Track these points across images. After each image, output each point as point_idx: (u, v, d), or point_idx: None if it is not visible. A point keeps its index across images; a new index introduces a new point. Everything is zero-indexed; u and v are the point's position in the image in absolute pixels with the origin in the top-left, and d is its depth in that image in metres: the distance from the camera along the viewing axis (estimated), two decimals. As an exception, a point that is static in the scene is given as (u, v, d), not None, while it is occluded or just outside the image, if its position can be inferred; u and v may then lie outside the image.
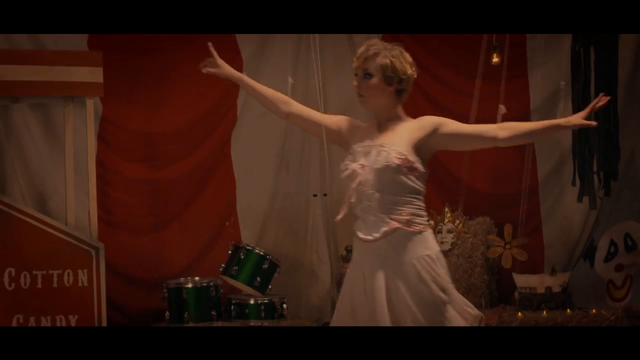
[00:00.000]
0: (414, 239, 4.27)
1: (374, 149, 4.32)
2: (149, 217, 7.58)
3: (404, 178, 4.26)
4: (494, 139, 4.36)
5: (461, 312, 4.27)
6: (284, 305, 7.15)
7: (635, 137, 7.71)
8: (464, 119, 7.92)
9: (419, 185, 4.31)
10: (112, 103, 7.38)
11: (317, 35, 7.20)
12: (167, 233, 7.61)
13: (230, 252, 7.09)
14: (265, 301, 7.08)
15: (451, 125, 4.41)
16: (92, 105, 7.05)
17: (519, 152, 7.99)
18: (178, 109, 7.62)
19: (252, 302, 7.09)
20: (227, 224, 7.75)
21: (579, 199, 7.37)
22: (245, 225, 7.79)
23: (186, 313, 6.99)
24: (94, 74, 6.93)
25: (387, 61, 4.30)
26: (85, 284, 6.77)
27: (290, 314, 7.31)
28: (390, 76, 4.32)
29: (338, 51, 7.86)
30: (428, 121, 4.41)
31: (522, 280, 7.62)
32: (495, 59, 6.45)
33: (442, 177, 7.90)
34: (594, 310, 7.38)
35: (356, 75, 4.39)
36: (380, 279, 4.24)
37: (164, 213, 7.61)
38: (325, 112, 7.66)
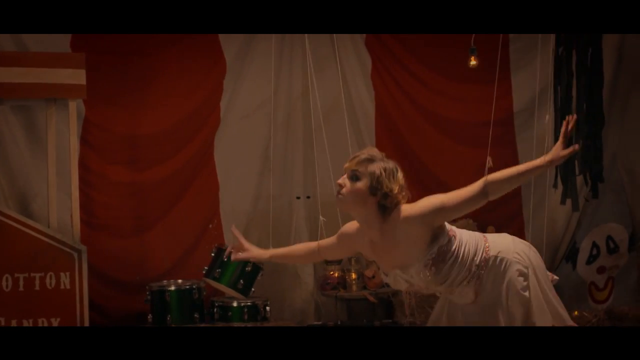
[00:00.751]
0: (492, 269, 4.21)
1: (406, 275, 4.17)
2: (132, 220, 7.56)
3: (445, 266, 4.13)
4: (485, 198, 4.11)
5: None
6: (267, 308, 7.13)
7: (616, 139, 7.75)
8: (446, 121, 8.01)
9: (454, 248, 4.15)
10: (95, 105, 7.37)
11: (305, 35, 7.22)
12: (150, 235, 7.59)
13: (213, 254, 7.07)
14: (249, 304, 7.06)
15: (446, 207, 4.09)
16: (75, 107, 7.02)
17: (501, 153, 8.02)
18: (161, 111, 7.61)
19: (235, 304, 7.08)
20: (210, 226, 7.74)
21: (562, 202, 7.39)
22: (229, 227, 7.77)
23: (169, 316, 6.97)
24: (76, 76, 6.90)
25: (379, 171, 4.07)
26: (68, 287, 6.74)
27: (274, 316, 7.30)
28: (376, 187, 4.07)
29: (321, 52, 7.87)
30: (422, 216, 4.08)
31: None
32: (473, 62, 6.47)
33: (424, 178, 7.89)
34: (576, 312, 7.41)
35: (344, 174, 4.17)
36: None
37: (147, 215, 7.60)
38: (312, 111, 7.76)
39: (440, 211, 4.07)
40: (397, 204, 4.10)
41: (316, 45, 7.85)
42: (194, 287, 7.07)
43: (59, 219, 6.92)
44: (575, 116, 4.25)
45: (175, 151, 7.66)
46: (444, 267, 4.12)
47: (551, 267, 8.08)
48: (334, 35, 7.78)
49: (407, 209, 4.10)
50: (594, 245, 7.87)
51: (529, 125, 7.92)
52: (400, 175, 4.14)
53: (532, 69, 7.87)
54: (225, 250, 6.98)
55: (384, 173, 4.08)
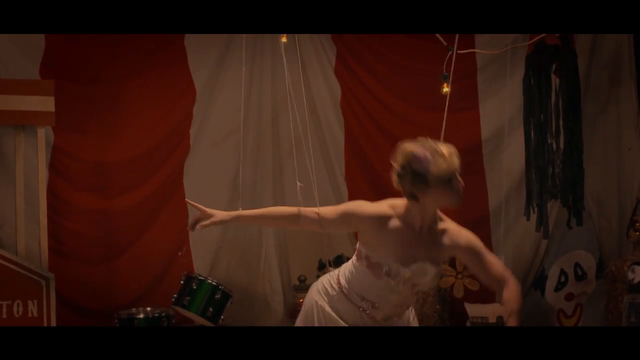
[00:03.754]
0: None
1: (428, 273, 4.24)
2: (101, 247, 7.52)
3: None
4: (498, 290, 4.30)
5: None
6: (237, 336, 7.10)
7: (584, 167, 7.81)
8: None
9: None
10: (64, 132, 7.34)
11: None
12: (119, 263, 7.55)
13: (182, 282, 7.04)
14: (218, 331, 7.04)
15: (480, 256, 4.30)
16: (44, 134, 7.01)
17: (470, 182, 8.06)
18: (130, 138, 7.59)
19: (204, 332, 7.06)
20: (180, 253, 7.71)
21: (537, 229, 7.39)
22: (198, 255, 7.76)
23: (137, 344, 6.92)
24: (45, 103, 6.89)
25: None
26: (35, 315, 6.69)
27: (243, 344, 7.27)
28: None
29: (291, 79, 7.89)
30: (465, 243, 4.30)
31: (474, 310, 7.66)
32: (445, 89, 6.51)
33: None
34: (544, 339, 7.44)
35: (454, 177, 4.23)
36: None
37: (116, 243, 7.56)
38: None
39: (475, 254, 4.30)
40: None
41: (287, 74, 7.88)
42: (162, 315, 7.02)
43: (27, 247, 6.88)
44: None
45: (145, 178, 7.64)
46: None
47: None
48: (304, 62, 7.82)
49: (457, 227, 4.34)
50: (562, 272, 7.93)
51: (497, 153, 7.96)
52: None
53: (500, 98, 7.94)
54: (195, 277, 6.96)
55: None
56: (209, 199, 7.78)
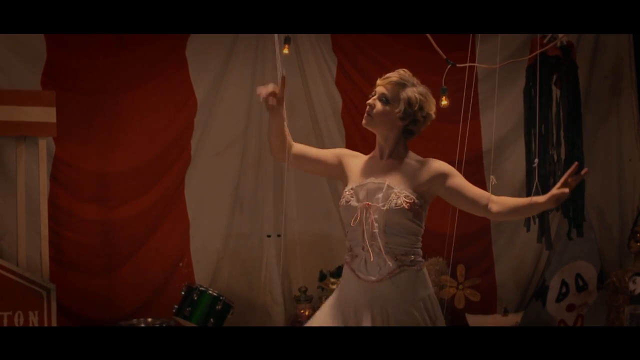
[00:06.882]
0: (415, 278, 4.26)
1: (381, 188, 4.23)
2: (102, 258, 7.52)
3: (409, 221, 4.21)
4: (485, 209, 4.26)
5: None
6: (238, 346, 7.09)
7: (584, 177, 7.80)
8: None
9: (421, 226, 4.27)
10: (65, 143, 7.34)
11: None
12: (120, 273, 7.55)
13: (183, 292, 7.05)
14: (219, 342, 7.02)
15: (455, 179, 4.28)
16: (45, 145, 7.01)
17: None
18: (132, 149, 7.59)
19: (205, 343, 7.04)
20: (181, 264, 7.71)
21: (539, 240, 7.38)
22: (199, 265, 7.75)
23: (138, 354, 6.92)
24: (47, 114, 6.90)
25: (413, 96, 4.24)
26: (36, 325, 6.68)
27: (244, 355, 7.26)
28: (409, 113, 4.24)
29: (292, 91, 7.90)
30: (435, 167, 4.29)
31: (475, 321, 7.66)
32: (444, 102, 6.52)
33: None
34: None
35: (373, 94, 4.36)
36: (370, 320, 4.20)
37: (117, 253, 7.56)
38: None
39: (447, 176, 4.25)
40: (420, 131, 4.32)
41: (287, 84, 7.88)
42: (164, 325, 7.03)
43: (28, 257, 6.88)
44: (586, 169, 4.41)
45: (146, 189, 7.64)
46: (404, 223, 4.20)
47: (521, 304, 8.11)
48: (305, 72, 7.83)
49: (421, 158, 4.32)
50: (563, 283, 7.92)
51: (497, 164, 7.96)
52: (431, 97, 4.31)
53: (501, 109, 7.94)
54: (196, 288, 6.95)
55: (419, 99, 4.25)
56: (210, 210, 7.82)
